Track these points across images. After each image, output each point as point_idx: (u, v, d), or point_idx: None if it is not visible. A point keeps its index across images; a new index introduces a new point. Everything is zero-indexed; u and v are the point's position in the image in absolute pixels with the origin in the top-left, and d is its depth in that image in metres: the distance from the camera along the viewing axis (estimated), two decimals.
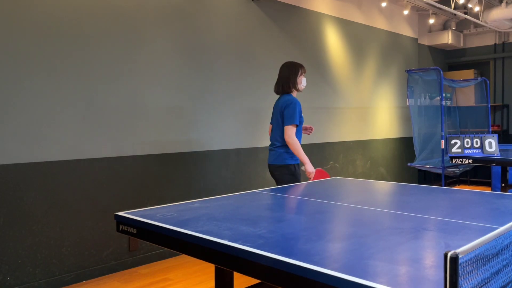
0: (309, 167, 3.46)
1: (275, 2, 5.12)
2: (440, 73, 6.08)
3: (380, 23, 6.87)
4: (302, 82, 3.57)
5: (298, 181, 3.51)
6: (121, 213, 1.93)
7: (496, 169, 6.28)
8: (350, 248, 1.38)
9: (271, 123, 3.63)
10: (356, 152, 6.40)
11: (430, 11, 7.14)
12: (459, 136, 4.71)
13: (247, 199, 2.34)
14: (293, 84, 3.52)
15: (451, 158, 4.63)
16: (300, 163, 3.54)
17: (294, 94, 3.55)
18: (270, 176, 5.06)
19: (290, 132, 3.37)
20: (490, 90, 8.04)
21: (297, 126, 3.43)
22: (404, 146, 7.40)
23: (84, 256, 3.53)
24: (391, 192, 2.61)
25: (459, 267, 0.87)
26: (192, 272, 3.73)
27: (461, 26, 8.36)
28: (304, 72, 3.58)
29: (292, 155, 3.47)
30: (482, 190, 2.53)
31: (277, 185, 3.41)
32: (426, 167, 6.44)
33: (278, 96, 3.78)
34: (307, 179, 3.97)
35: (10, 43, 3.14)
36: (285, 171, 3.46)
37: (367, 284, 1.07)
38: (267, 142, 5.00)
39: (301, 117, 3.47)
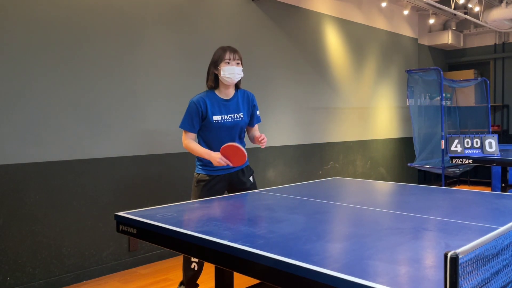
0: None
1: (275, 2, 5.12)
2: (440, 73, 6.07)
3: (380, 23, 6.87)
4: (225, 71, 2.72)
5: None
6: (121, 213, 1.93)
7: (496, 169, 6.29)
8: (350, 248, 1.38)
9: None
10: (356, 152, 6.40)
11: (430, 11, 7.13)
12: (459, 136, 4.71)
13: (247, 199, 2.34)
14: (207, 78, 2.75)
15: (451, 158, 4.63)
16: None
17: (218, 89, 2.82)
18: (270, 176, 5.06)
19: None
20: (490, 90, 8.03)
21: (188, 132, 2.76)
22: (404, 146, 7.40)
23: (84, 256, 3.53)
24: (391, 192, 2.61)
25: (459, 267, 0.87)
26: None
27: (461, 26, 8.36)
28: (228, 59, 2.74)
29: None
30: (482, 190, 2.53)
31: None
32: (426, 167, 6.44)
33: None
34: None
35: (10, 43, 3.14)
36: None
37: (367, 284, 1.07)
38: (266, 142, 4.99)
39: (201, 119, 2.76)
